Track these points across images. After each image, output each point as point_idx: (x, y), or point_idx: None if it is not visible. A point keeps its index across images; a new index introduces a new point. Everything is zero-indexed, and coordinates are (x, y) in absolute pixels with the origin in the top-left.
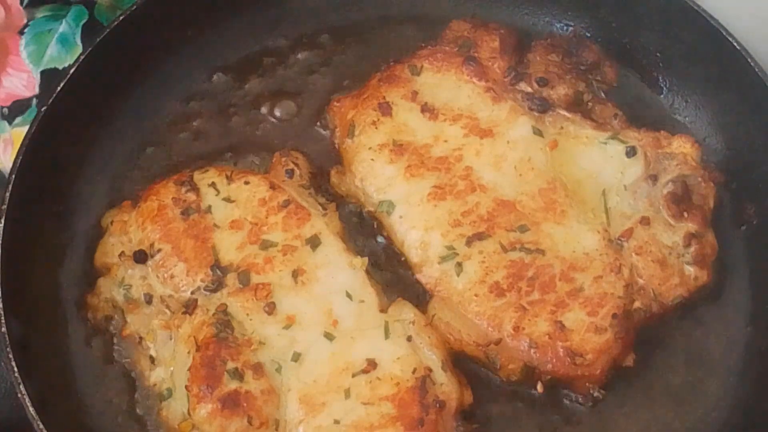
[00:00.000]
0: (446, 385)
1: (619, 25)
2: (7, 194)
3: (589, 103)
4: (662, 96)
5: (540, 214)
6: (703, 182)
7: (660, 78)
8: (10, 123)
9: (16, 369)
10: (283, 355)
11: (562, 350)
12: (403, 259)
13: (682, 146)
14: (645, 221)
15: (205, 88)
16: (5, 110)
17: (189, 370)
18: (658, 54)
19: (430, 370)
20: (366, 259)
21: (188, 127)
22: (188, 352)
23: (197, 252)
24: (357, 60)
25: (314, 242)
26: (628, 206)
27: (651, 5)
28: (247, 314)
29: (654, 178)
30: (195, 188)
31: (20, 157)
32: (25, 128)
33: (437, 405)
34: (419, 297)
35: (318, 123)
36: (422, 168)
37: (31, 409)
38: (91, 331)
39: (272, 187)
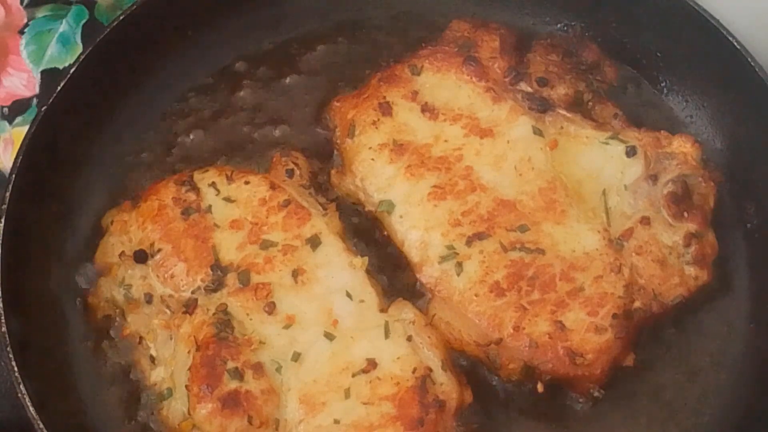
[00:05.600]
0: (446, 385)
1: (619, 25)
2: (7, 194)
3: (589, 103)
4: (662, 96)
5: (540, 213)
6: (704, 182)
7: (660, 78)
8: (10, 123)
9: (16, 369)
10: (283, 355)
11: (562, 350)
12: (403, 258)
13: (682, 146)
14: (645, 221)
15: (205, 88)
16: (5, 110)
17: (189, 369)
18: (658, 54)
19: (430, 369)
20: (366, 259)
21: (188, 127)
22: (188, 352)
23: (197, 252)
24: (357, 60)
25: (314, 242)
26: (628, 206)
27: (651, 5)
28: (247, 314)
29: (654, 178)
30: (195, 188)
31: (20, 157)
32: (26, 128)
33: (437, 405)
34: (419, 297)
35: (318, 123)
36: (422, 168)
37: (31, 409)
38: (91, 331)
39: (272, 186)
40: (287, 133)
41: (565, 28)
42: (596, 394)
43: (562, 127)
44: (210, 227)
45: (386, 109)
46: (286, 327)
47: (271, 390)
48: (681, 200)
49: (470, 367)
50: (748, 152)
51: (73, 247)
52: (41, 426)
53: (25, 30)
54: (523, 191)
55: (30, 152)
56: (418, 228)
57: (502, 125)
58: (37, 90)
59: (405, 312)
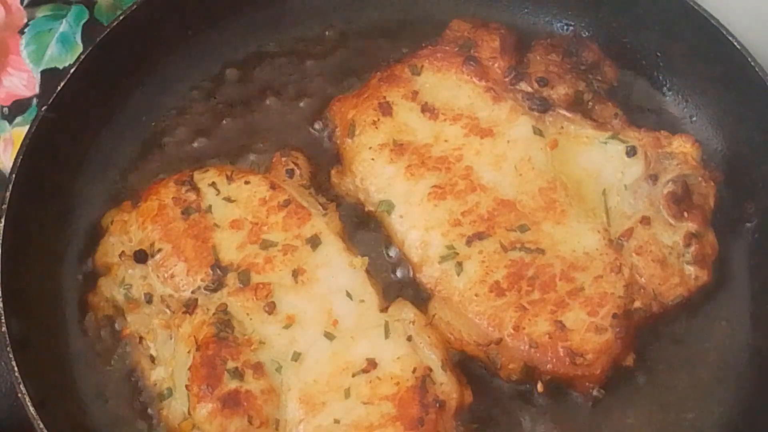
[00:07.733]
0: (446, 385)
1: (619, 25)
2: (7, 194)
3: (590, 103)
4: (662, 96)
5: (540, 213)
6: (704, 182)
7: (660, 78)
8: (10, 123)
9: (16, 369)
10: (283, 355)
11: (562, 350)
12: (403, 258)
13: (682, 146)
14: (645, 221)
15: (205, 87)
16: (5, 110)
17: (189, 369)
18: (658, 54)
19: (430, 369)
20: (366, 258)
21: (188, 127)
22: (188, 352)
23: (197, 252)
24: (357, 60)
25: (314, 242)
26: (628, 206)
27: (651, 5)
28: (248, 314)
29: (654, 178)
30: (195, 188)
31: (20, 157)
32: (26, 128)
33: (437, 405)
34: (419, 297)
35: (318, 123)
36: (422, 168)
37: (31, 409)
38: (91, 331)
39: (272, 186)
40: (287, 133)
41: (565, 28)
42: (596, 394)
43: (562, 127)
44: (210, 227)
45: (386, 109)
46: (286, 327)
47: (271, 390)
48: (681, 200)
49: (470, 367)
50: (748, 152)
51: (73, 247)
52: (41, 426)
53: (25, 30)
54: (523, 191)
55: (30, 152)
56: (418, 228)
57: (502, 125)
58: (37, 90)
59: (405, 312)
